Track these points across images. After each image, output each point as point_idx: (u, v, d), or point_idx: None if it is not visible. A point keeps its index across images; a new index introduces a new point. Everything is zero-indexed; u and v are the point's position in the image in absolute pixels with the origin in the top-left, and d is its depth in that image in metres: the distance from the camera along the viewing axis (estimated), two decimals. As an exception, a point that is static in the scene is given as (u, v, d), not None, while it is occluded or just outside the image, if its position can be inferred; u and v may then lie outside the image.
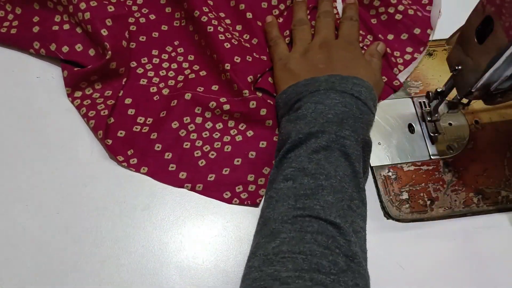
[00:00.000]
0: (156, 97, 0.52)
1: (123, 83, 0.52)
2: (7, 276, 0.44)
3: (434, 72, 0.56)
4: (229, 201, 0.48)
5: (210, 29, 0.52)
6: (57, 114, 0.51)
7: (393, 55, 0.56)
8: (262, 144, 0.50)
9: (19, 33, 0.52)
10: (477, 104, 0.54)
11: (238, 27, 0.56)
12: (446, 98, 0.49)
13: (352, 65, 0.49)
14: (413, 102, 0.54)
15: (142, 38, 0.55)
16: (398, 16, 0.56)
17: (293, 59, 0.51)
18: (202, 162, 0.49)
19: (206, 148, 0.50)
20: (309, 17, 0.56)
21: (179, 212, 0.47)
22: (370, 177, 0.50)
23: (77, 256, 0.45)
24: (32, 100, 0.51)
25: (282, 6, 0.58)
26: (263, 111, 0.50)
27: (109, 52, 0.49)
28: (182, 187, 0.48)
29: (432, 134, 0.52)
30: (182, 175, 0.49)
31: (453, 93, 0.47)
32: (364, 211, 0.43)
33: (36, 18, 0.53)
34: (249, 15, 0.56)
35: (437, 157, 0.52)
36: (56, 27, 0.52)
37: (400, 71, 0.55)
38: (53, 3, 0.52)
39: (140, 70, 0.54)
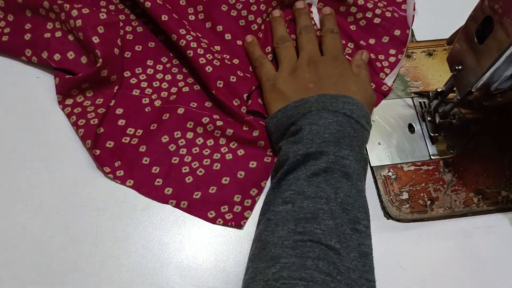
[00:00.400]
0: (148, 109, 0.51)
1: (115, 91, 0.51)
2: (7, 276, 0.44)
3: (434, 72, 0.56)
4: (213, 221, 0.47)
5: (190, 53, 0.51)
6: (57, 114, 0.51)
7: (378, 59, 0.55)
8: (252, 164, 0.49)
9: (10, 40, 0.52)
10: (477, 104, 0.54)
11: (217, 48, 0.55)
12: (446, 98, 0.49)
13: (342, 82, 0.48)
14: (413, 102, 0.54)
15: (138, 48, 0.55)
16: (377, 20, 0.56)
17: (281, 79, 0.50)
18: (189, 179, 0.48)
19: (194, 165, 0.49)
20: (287, 30, 0.56)
21: (179, 212, 0.47)
22: (370, 177, 0.50)
23: (77, 256, 0.45)
24: (32, 100, 0.51)
25: (259, 20, 0.56)
26: (255, 133, 0.49)
27: (100, 60, 0.49)
28: (167, 203, 0.47)
29: (432, 134, 0.52)
30: (168, 190, 0.48)
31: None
32: (370, 231, 0.42)
33: (28, 25, 0.52)
34: (227, 36, 0.55)
35: (437, 157, 0.52)
36: (48, 35, 0.51)
37: (386, 74, 0.55)
38: (45, 10, 0.51)
39: (133, 80, 0.53)
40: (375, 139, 0.52)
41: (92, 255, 0.45)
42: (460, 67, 0.44)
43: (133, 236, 0.46)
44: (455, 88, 0.46)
